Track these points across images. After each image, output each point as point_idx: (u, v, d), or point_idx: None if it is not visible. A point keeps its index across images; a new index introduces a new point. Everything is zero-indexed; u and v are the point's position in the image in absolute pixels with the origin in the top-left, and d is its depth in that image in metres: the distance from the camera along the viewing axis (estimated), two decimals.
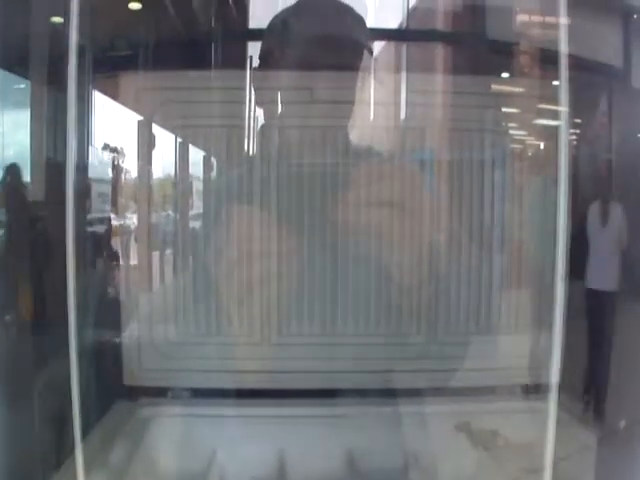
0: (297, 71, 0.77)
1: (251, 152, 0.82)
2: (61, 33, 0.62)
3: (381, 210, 0.71)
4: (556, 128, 0.75)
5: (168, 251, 0.84)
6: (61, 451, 0.77)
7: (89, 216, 0.91)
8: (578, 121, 1.06)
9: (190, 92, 0.81)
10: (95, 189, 0.93)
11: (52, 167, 0.82)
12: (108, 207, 0.94)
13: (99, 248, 0.94)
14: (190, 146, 0.83)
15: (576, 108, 0.84)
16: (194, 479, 0.84)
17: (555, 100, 0.74)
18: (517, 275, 0.86)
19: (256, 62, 0.81)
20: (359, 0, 0.81)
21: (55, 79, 0.64)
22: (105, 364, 0.87)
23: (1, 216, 0.91)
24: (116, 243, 0.90)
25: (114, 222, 0.92)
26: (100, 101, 0.88)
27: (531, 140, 0.92)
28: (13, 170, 0.85)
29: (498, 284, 0.85)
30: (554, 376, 0.73)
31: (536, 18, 0.97)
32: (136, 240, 0.84)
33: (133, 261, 0.85)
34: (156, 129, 0.82)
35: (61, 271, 0.65)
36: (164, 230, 0.84)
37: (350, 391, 0.84)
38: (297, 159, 0.78)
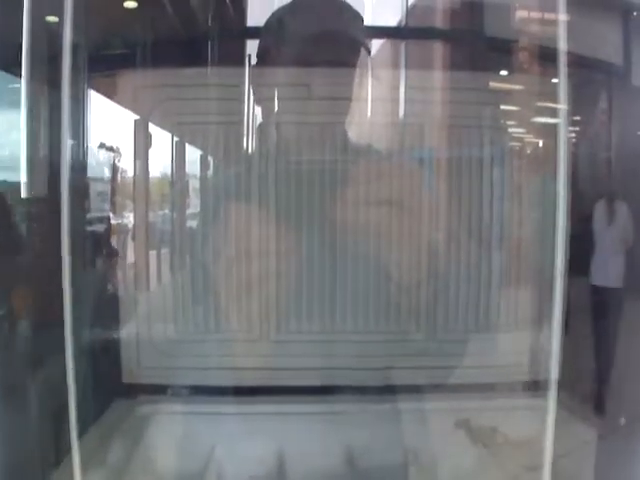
0: (295, 68, 0.76)
1: (250, 149, 0.83)
2: (56, 32, 0.62)
3: (380, 207, 0.71)
4: (562, 126, 0.75)
5: (167, 249, 0.84)
6: (61, 449, 0.77)
7: (86, 215, 0.91)
8: (583, 119, 1.06)
9: (189, 89, 0.82)
10: (94, 188, 0.93)
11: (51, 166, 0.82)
12: (107, 206, 0.94)
13: (97, 247, 0.94)
14: (189, 143, 0.83)
15: (579, 106, 0.84)
16: (193, 476, 0.84)
17: (555, 98, 0.74)
18: (517, 272, 0.86)
19: (254, 59, 0.81)
20: None
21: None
22: (104, 362, 0.87)
23: None
24: (115, 241, 0.90)
25: (112, 221, 0.92)
26: (98, 100, 0.88)
27: (533, 138, 0.92)
28: None
29: (498, 281, 0.85)
30: (553, 373, 0.73)
31: (535, 15, 0.97)
32: (134, 239, 0.84)
33: (132, 259, 0.85)
34: (156, 127, 0.82)
35: (58, 270, 0.65)
36: (163, 228, 0.84)
37: (349, 388, 0.84)
38: (295, 156, 0.78)
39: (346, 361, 0.81)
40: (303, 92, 0.76)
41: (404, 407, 0.86)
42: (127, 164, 0.85)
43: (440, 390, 0.86)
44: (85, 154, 0.87)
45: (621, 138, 1.11)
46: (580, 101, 0.93)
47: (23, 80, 0.68)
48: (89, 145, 0.88)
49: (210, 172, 0.84)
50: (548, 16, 0.85)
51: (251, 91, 0.82)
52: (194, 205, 0.84)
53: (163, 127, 0.82)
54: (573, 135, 0.95)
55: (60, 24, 0.61)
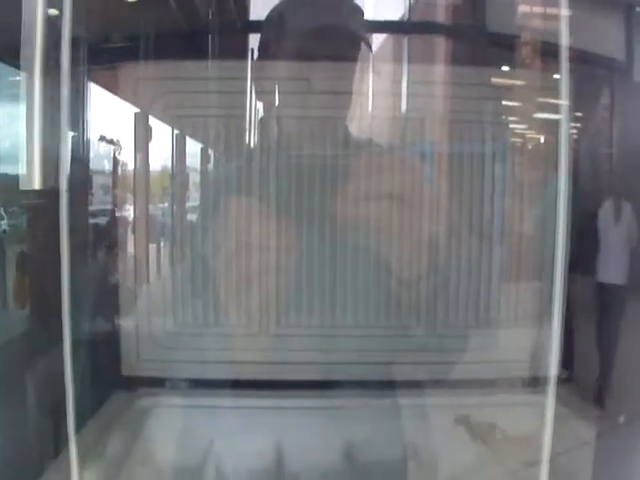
0: (295, 62, 0.76)
1: (250, 143, 0.83)
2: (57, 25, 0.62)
3: (380, 202, 0.71)
4: (564, 122, 0.74)
5: (168, 242, 0.84)
6: (60, 440, 0.77)
7: (86, 207, 0.91)
8: (585, 115, 1.06)
9: (189, 82, 0.82)
10: (94, 180, 0.93)
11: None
12: (107, 198, 0.94)
13: (97, 239, 0.95)
14: (189, 136, 0.83)
15: (581, 102, 0.84)
16: (192, 470, 0.84)
17: (557, 93, 0.73)
18: (517, 268, 0.86)
19: (255, 53, 0.81)
20: None
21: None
22: (103, 354, 0.87)
23: None
24: (115, 234, 0.90)
25: (112, 213, 0.92)
26: (98, 93, 0.88)
27: (534, 133, 0.92)
28: None
29: (498, 277, 0.85)
30: (553, 369, 0.73)
31: (537, 10, 0.97)
32: (134, 231, 0.84)
33: (132, 252, 0.85)
34: (156, 120, 0.82)
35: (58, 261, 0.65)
36: (163, 221, 0.84)
37: (349, 383, 0.84)
38: (296, 150, 0.78)
39: (346, 356, 0.81)
40: (303, 86, 0.76)
41: (403, 402, 0.86)
42: (127, 157, 0.85)
43: (440, 385, 0.86)
44: (85, 147, 0.87)
45: (623, 134, 1.11)
46: (582, 97, 0.93)
47: (22, 73, 0.68)
48: (89, 138, 0.88)
49: (210, 165, 0.84)
50: (550, 11, 0.85)
51: (252, 84, 0.82)
52: (194, 198, 0.84)
53: (164, 120, 0.82)
54: (574, 131, 0.95)
55: (60, 16, 0.61)
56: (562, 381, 0.73)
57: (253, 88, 0.81)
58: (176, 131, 0.82)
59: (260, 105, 0.81)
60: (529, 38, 0.92)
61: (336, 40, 0.75)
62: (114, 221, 0.90)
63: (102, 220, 0.94)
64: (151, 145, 0.82)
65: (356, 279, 0.79)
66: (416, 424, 0.87)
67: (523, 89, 0.90)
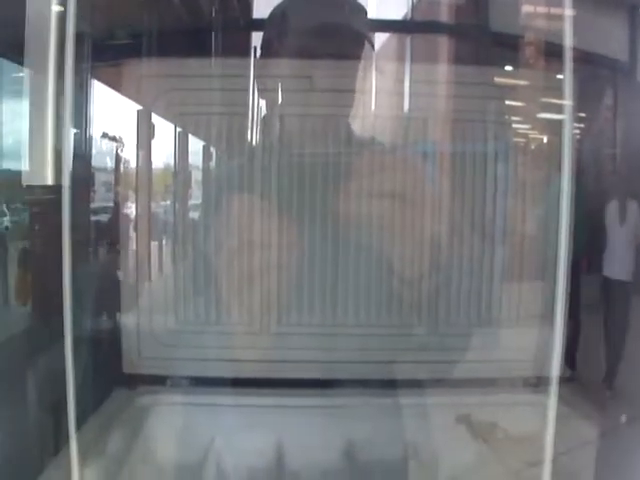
0: (298, 60, 0.76)
1: (253, 140, 0.82)
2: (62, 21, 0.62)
3: (382, 200, 0.70)
4: (567, 122, 0.74)
5: (170, 240, 0.84)
6: (60, 438, 0.77)
7: (89, 205, 0.91)
8: (588, 115, 1.06)
9: (192, 80, 0.82)
10: (97, 178, 0.93)
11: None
12: (109, 196, 0.94)
13: (99, 237, 0.95)
14: (192, 134, 0.83)
15: (585, 102, 0.84)
16: (192, 468, 0.84)
17: (560, 93, 0.73)
18: (519, 267, 0.86)
19: (258, 51, 0.81)
20: None
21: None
22: (104, 352, 0.87)
23: None
24: (117, 231, 0.90)
25: (115, 211, 0.92)
26: (101, 90, 0.88)
27: (537, 133, 0.91)
28: None
29: (500, 276, 0.84)
30: (555, 369, 0.73)
31: (541, 10, 0.97)
32: (136, 229, 0.84)
33: (134, 250, 0.85)
34: (159, 117, 0.82)
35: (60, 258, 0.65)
36: (165, 219, 0.84)
37: (350, 381, 0.84)
38: (298, 148, 0.78)
39: (347, 354, 0.81)
40: (306, 84, 0.76)
41: (404, 401, 0.86)
42: (130, 154, 0.85)
43: (441, 385, 0.86)
44: (88, 144, 0.87)
45: (626, 134, 1.11)
46: (585, 97, 0.92)
47: (26, 69, 0.68)
48: (92, 134, 0.88)
49: (213, 163, 0.84)
50: (554, 11, 0.85)
51: (255, 82, 0.82)
52: (196, 196, 0.83)
53: (166, 117, 0.82)
54: (578, 131, 0.95)
55: (64, 13, 0.61)
56: (564, 380, 0.73)
57: (256, 86, 0.81)
58: (179, 128, 0.82)
59: (263, 103, 0.81)
60: (532, 38, 0.92)
61: (339, 38, 0.75)
62: (116, 218, 0.90)
63: (104, 217, 0.94)
64: (154, 142, 0.82)
65: (358, 278, 0.79)
66: (417, 423, 0.87)
67: (526, 89, 0.90)
